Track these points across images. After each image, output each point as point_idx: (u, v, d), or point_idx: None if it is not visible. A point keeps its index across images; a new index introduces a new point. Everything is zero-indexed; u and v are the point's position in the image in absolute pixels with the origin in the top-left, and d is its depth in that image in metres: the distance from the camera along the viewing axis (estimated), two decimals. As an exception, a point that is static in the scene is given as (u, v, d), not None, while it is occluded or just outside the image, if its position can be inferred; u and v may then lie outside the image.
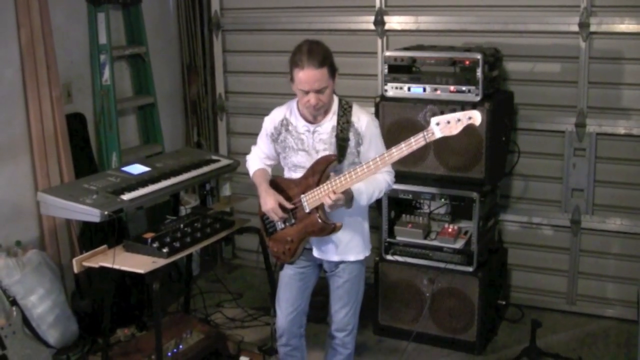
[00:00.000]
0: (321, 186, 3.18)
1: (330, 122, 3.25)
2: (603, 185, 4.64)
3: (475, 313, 4.29)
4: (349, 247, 3.37)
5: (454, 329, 4.38)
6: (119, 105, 5.00)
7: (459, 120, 2.85)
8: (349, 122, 3.23)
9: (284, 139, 3.34)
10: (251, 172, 3.51)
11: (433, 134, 2.91)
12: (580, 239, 4.74)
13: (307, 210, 3.26)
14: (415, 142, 2.95)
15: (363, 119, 3.26)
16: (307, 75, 3.09)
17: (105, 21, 4.80)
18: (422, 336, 4.42)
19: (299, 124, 3.31)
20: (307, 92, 3.13)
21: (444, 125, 2.88)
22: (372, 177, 3.21)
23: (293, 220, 3.33)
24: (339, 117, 3.24)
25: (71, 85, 4.72)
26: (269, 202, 3.30)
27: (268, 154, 3.49)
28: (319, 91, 3.12)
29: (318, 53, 3.12)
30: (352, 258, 3.39)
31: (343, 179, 3.10)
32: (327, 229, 3.24)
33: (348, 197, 3.15)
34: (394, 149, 3.01)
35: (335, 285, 3.47)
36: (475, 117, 2.85)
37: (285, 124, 3.34)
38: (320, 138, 3.26)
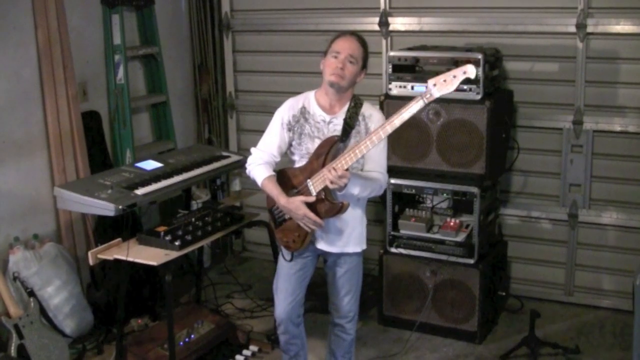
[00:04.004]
0: (326, 167, 3.15)
1: (344, 114, 3.30)
2: (599, 181, 4.67)
3: (476, 304, 4.33)
4: (350, 239, 3.41)
5: (455, 319, 4.42)
6: (133, 104, 5.04)
7: (454, 76, 2.78)
8: (357, 114, 3.29)
9: (301, 127, 3.35)
10: (259, 181, 3.37)
11: (431, 95, 2.84)
12: (578, 232, 4.76)
13: (314, 194, 3.24)
14: (415, 105, 2.89)
15: (375, 116, 3.32)
16: (345, 41, 3.26)
17: (120, 22, 4.83)
18: (425, 326, 4.46)
19: (317, 112, 3.35)
20: (337, 58, 3.23)
21: (441, 84, 2.81)
22: (370, 175, 3.30)
23: None
24: (350, 107, 3.29)
25: (87, 84, 4.77)
26: (295, 208, 3.25)
27: (280, 145, 3.39)
28: (348, 61, 3.23)
29: (363, 40, 3.31)
30: (350, 250, 3.42)
31: (347, 156, 3.09)
32: (335, 208, 3.20)
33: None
34: (394, 117, 2.95)
35: (337, 276, 3.51)
36: (469, 70, 2.77)
37: (303, 112, 3.36)
38: (335, 129, 3.29)
